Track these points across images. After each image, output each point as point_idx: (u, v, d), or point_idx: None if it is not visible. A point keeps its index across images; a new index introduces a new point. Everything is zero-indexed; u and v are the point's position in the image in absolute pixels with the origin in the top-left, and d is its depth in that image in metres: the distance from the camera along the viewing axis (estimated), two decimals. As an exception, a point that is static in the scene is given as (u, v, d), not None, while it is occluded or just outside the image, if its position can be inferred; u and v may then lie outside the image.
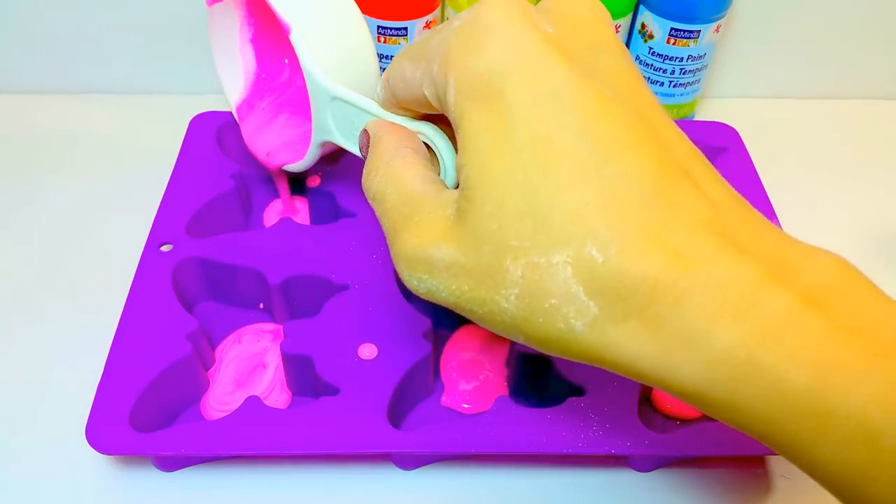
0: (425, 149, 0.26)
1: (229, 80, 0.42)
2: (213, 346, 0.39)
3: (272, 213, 0.45)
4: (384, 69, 0.49)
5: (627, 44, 0.50)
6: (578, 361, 0.21)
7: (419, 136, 0.26)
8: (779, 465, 0.37)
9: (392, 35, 0.46)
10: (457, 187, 0.23)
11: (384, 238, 0.39)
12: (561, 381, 0.34)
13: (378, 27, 0.46)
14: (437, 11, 0.47)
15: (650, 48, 0.49)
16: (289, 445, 0.32)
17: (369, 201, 0.25)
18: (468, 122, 0.21)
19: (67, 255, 0.44)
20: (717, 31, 0.48)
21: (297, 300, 0.38)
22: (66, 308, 0.42)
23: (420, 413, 0.37)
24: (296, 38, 0.32)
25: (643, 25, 0.48)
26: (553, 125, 0.20)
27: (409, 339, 0.35)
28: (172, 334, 0.35)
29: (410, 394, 0.36)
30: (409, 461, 0.36)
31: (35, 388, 0.38)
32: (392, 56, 0.47)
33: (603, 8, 0.23)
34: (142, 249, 0.39)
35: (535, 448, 0.32)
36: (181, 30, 0.53)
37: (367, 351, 0.35)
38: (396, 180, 0.24)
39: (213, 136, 0.44)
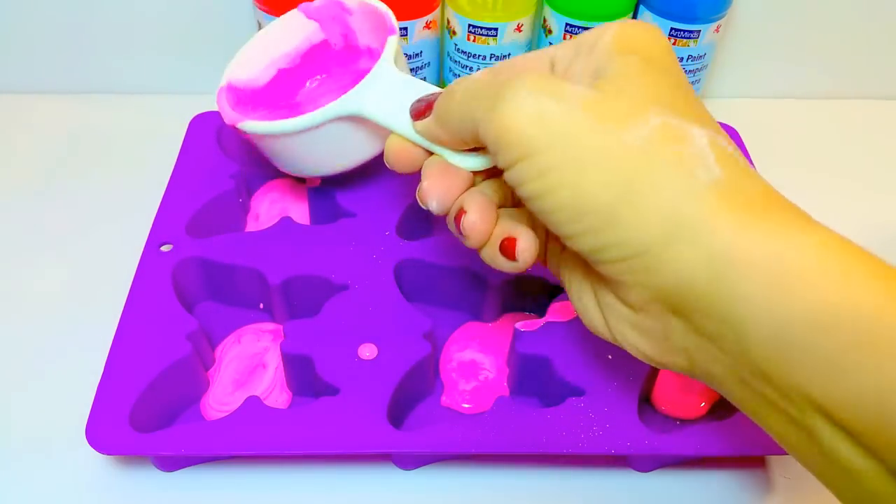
0: None
1: (238, 63, 0.41)
2: (213, 346, 0.39)
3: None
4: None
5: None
6: (667, 236, 0.21)
7: None
8: (779, 466, 0.37)
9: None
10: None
11: (384, 238, 0.39)
12: (561, 381, 0.34)
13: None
14: (437, 11, 0.47)
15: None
16: (289, 445, 0.32)
17: (458, 94, 0.25)
18: (620, 45, 0.24)
19: (68, 255, 0.44)
20: (717, 31, 0.48)
21: (297, 300, 0.38)
22: (67, 308, 0.42)
23: (420, 413, 0.37)
24: (391, 40, 0.35)
25: (643, 25, 0.48)
26: (682, 78, 0.24)
27: (409, 339, 0.35)
28: (172, 334, 0.35)
29: (410, 394, 0.36)
30: (409, 461, 0.36)
31: (35, 387, 0.38)
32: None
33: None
34: (142, 249, 0.39)
35: (535, 448, 0.32)
36: (182, 30, 0.53)
37: (367, 351, 0.35)
38: (492, 72, 0.26)
39: (213, 136, 0.44)
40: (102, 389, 0.33)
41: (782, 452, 0.35)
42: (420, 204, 0.28)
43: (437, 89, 0.30)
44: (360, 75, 0.37)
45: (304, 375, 0.35)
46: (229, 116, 0.37)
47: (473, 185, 0.28)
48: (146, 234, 0.39)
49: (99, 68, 0.55)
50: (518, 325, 0.36)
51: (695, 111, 0.23)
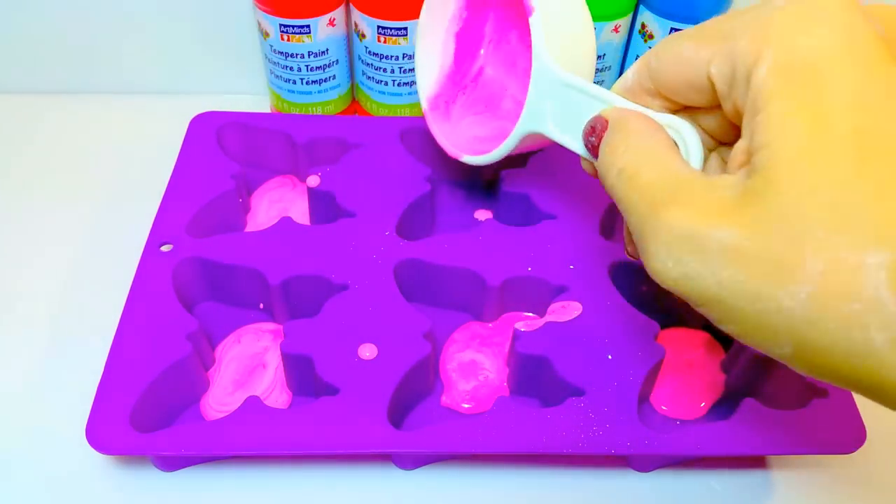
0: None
1: (424, 72, 0.41)
2: (213, 347, 0.39)
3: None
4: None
5: (627, 44, 0.50)
6: (849, 383, 0.19)
7: (666, 129, 0.25)
8: (779, 466, 0.37)
9: (392, 35, 0.46)
10: None
11: (384, 238, 0.39)
12: (561, 381, 0.34)
13: (378, 27, 0.46)
14: (437, 11, 0.47)
15: (650, 48, 0.49)
16: (289, 445, 0.32)
17: (611, 179, 0.24)
18: (781, 100, 0.19)
19: (68, 255, 0.44)
20: (717, 31, 0.48)
21: (297, 300, 0.38)
22: (67, 307, 0.42)
23: (420, 413, 0.37)
24: (535, 22, 0.32)
25: (643, 25, 0.48)
26: (881, 119, 0.18)
27: (409, 339, 0.35)
28: (172, 334, 0.35)
29: (410, 394, 0.36)
30: (409, 461, 0.36)
31: (35, 387, 0.38)
32: (391, 56, 0.47)
33: None
34: (142, 249, 0.39)
35: (535, 448, 0.32)
36: (182, 30, 0.53)
37: (367, 351, 0.35)
38: (654, 156, 0.23)
39: (213, 136, 0.44)
40: (103, 389, 0.33)
41: (783, 453, 0.35)
42: (630, 257, 0.27)
43: (605, 96, 0.27)
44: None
45: (304, 375, 0.35)
46: (451, 151, 0.39)
47: None
48: (146, 234, 0.39)
49: (99, 68, 0.55)
50: (518, 325, 0.36)
51: (876, 193, 0.18)
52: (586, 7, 0.35)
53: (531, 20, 0.32)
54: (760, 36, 0.20)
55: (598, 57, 0.48)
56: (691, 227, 0.20)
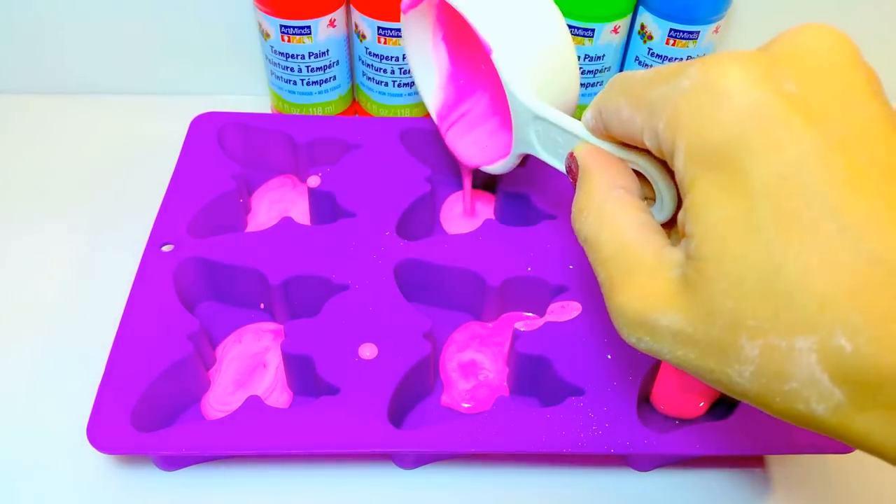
0: (637, 182, 0.25)
1: (425, 86, 0.42)
2: (214, 346, 0.39)
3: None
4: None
5: (627, 44, 0.50)
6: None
7: (630, 164, 0.25)
8: (779, 466, 0.37)
9: (392, 36, 0.46)
10: (671, 221, 0.24)
11: (384, 238, 0.39)
12: (561, 380, 0.35)
13: (378, 28, 0.46)
14: (438, 12, 0.47)
15: (650, 49, 0.49)
16: (289, 445, 0.32)
17: (580, 242, 0.25)
18: (700, 191, 0.20)
19: (69, 255, 0.44)
20: (716, 31, 0.48)
21: (297, 300, 0.39)
22: (68, 307, 0.42)
23: (420, 413, 0.37)
24: (497, 59, 0.32)
25: (643, 26, 0.48)
26: (799, 201, 0.18)
27: (409, 339, 0.35)
28: (173, 334, 0.35)
29: (410, 393, 0.36)
30: (409, 461, 0.36)
31: (36, 387, 0.38)
32: (390, 57, 0.47)
33: (847, 42, 0.22)
34: (143, 250, 0.39)
35: (535, 448, 0.32)
36: (183, 30, 0.53)
37: (368, 351, 0.35)
38: (611, 227, 0.23)
39: (214, 136, 0.44)
40: (104, 389, 0.33)
41: (782, 452, 0.35)
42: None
43: (573, 128, 0.28)
44: None
45: (304, 375, 0.35)
46: (465, 161, 0.40)
47: None
48: (147, 234, 0.39)
49: (99, 68, 0.55)
50: (518, 325, 0.37)
51: (799, 275, 0.18)
52: (558, 20, 0.34)
53: (493, 58, 0.32)
54: (673, 123, 0.20)
55: (599, 57, 0.48)
56: (643, 313, 0.21)
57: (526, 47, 0.33)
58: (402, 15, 0.39)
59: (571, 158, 0.27)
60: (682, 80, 0.20)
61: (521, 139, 0.33)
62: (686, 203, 0.20)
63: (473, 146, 0.41)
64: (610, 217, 0.24)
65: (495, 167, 0.39)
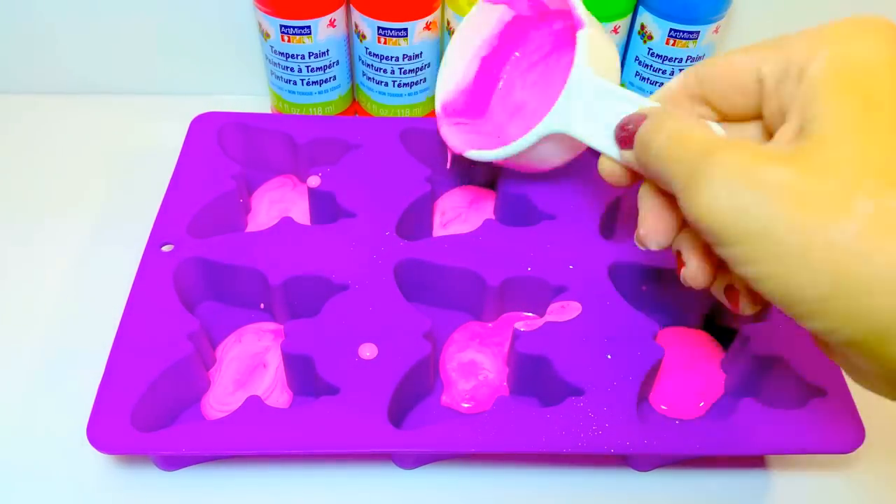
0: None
1: (445, 79, 0.43)
2: (214, 346, 0.39)
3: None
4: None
5: (627, 45, 0.50)
6: (871, 335, 0.20)
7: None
8: (778, 466, 0.37)
9: (392, 36, 0.46)
10: None
11: (384, 238, 0.39)
12: (560, 380, 0.35)
13: (378, 28, 0.46)
14: (437, 12, 0.47)
15: (649, 49, 0.49)
16: (289, 445, 0.32)
17: (654, 148, 0.25)
18: (834, 84, 0.21)
19: (69, 256, 0.44)
20: (716, 31, 0.48)
21: (297, 300, 0.39)
22: (68, 307, 0.42)
23: (420, 413, 0.37)
24: (582, 35, 0.34)
25: (643, 26, 0.48)
26: None
27: (409, 339, 0.35)
28: (174, 334, 0.35)
29: (410, 393, 0.36)
30: (409, 461, 0.36)
31: (36, 387, 0.38)
32: (390, 57, 0.47)
33: None
34: (143, 250, 0.39)
35: (534, 447, 0.32)
36: (183, 30, 0.53)
37: (368, 351, 0.35)
38: (700, 124, 0.25)
39: (214, 136, 0.44)
40: (104, 389, 0.33)
41: (782, 452, 0.35)
42: (638, 245, 0.28)
43: (640, 101, 0.30)
44: (556, 37, 0.41)
45: (304, 375, 0.35)
46: (455, 147, 0.40)
47: None
48: (147, 234, 0.39)
49: (99, 68, 0.55)
50: (518, 325, 0.37)
51: None
52: (608, 38, 0.37)
53: (579, 33, 0.34)
54: (816, 41, 0.23)
55: (598, 57, 0.48)
56: (748, 164, 0.21)
57: (599, 40, 0.35)
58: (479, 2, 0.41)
59: (634, 115, 0.28)
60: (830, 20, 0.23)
61: (561, 114, 0.34)
62: (813, 100, 0.22)
63: (466, 142, 0.41)
64: (697, 122, 0.25)
65: (494, 153, 0.38)
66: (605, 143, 0.31)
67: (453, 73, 0.43)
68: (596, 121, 0.32)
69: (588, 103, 0.32)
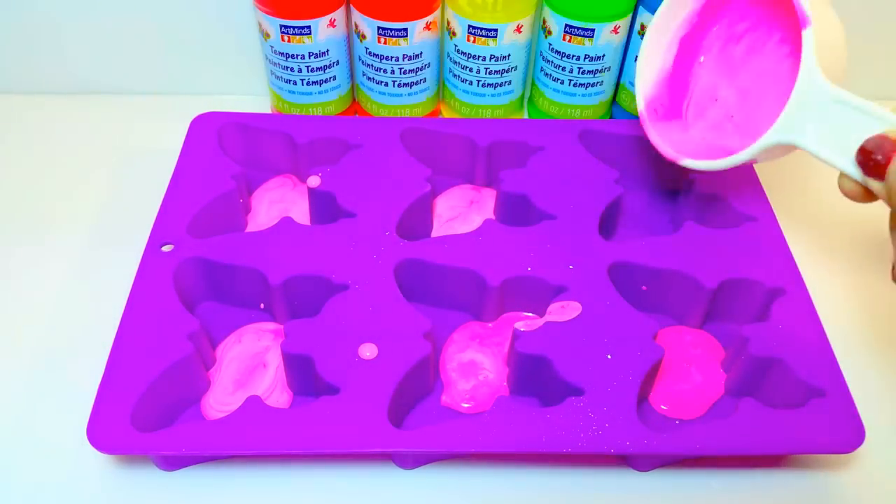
0: None
1: (645, 73, 0.41)
2: (214, 346, 0.39)
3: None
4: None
5: (627, 45, 0.50)
6: None
7: None
8: (779, 465, 0.37)
9: (392, 36, 0.46)
10: None
11: (384, 238, 0.39)
12: (560, 380, 0.35)
13: (378, 28, 0.46)
14: (437, 12, 0.47)
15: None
16: (289, 445, 0.32)
17: None
18: None
19: (69, 256, 0.44)
20: (717, 31, 0.48)
21: (297, 300, 0.39)
22: (68, 307, 0.42)
23: (420, 413, 0.37)
24: (808, 35, 0.31)
25: (643, 26, 0.48)
26: None
27: (409, 339, 0.35)
28: (173, 334, 0.35)
29: (410, 393, 0.36)
30: (410, 460, 0.36)
31: (36, 387, 0.38)
32: (390, 57, 0.47)
33: None
34: (143, 249, 0.39)
35: (534, 447, 0.32)
36: (183, 31, 0.53)
37: (368, 351, 0.35)
38: None
39: (214, 136, 0.45)
40: (104, 389, 0.33)
41: (782, 452, 0.35)
42: (893, 280, 0.26)
43: (888, 117, 0.27)
44: (763, 5, 0.37)
45: (304, 375, 0.35)
46: (669, 154, 0.39)
47: None
48: (147, 234, 0.39)
49: (99, 68, 0.55)
50: (518, 324, 0.37)
51: None
52: (838, 22, 0.34)
53: (805, 32, 0.31)
54: None
55: (599, 57, 0.48)
56: None
57: (828, 33, 0.32)
58: None
59: (883, 139, 0.25)
60: None
61: (789, 126, 0.31)
62: None
63: (686, 144, 0.40)
64: None
65: (717, 163, 0.37)
66: (842, 161, 0.28)
67: (652, 64, 0.41)
68: (831, 134, 0.29)
69: (821, 114, 0.30)
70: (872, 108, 0.28)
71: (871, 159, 0.26)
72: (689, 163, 0.38)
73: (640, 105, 0.41)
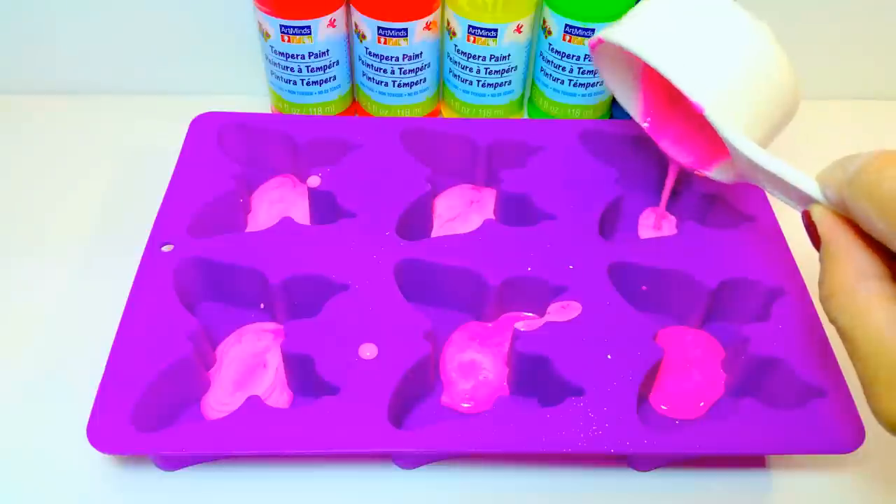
0: (884, 266, 0.24)
1: (623, 98, 0.41)
2: (214, 346, 0.39)
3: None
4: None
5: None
6: None
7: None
8: (779, 465, 0.37)
9: (392, 36, 0.46)
10: None
11: (384, 238, 0.39)
12: (560, 380, 0.35)
13: (378, 28, 0.46)
14: (437, 12, 0.47)
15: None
16: (289, 445, 0.32)
17: (831, 322, 0.24)
18: None
19: (69, 255, 0.44)
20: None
21: (297, 300, 0.39)
22: (68, 307, 0.42)
23: (420, 413, 0.37)
24: (711, 116, 0.31)
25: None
26: None
27: (409, 339, 0.35)
28: (173, 334, 0.35)
29: (410, 393, 0.36)
30: (410, 461, 0.36)
31: (37, 387, 0.38)
32: (390, 57, 0.47)
33: None
34: (143, 249, 0.39)
35: (534, 447, 0.32)
36: (183, 31, 0.53)
37: (368, 351, 0.35)
38: (866, 324, 0.23)
39: (214, 136, 0.44)
40: (104, 389, 0.33)
41: (782, 452, 0.35)
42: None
43: (804, 186, 0.27)
44: None
45: (304, 375, 0.35)
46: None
47: None
48: (147, 234, 0.39)
49: (99, 68, 0.55)
50: (518, 324, 0.37)
51: None
52: (762, 39, 0.32)
53: (705, 116, 0.31)
54: None
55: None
56: None
57: (739, 92, 0.31)
58: (590, 52, 0.38)
59: (808, 220, 0.26)
60: None
61: (746, 175, 0.31)
62: None
63: (688, 155, 0.39)
64: (863, 312, 0.23)
65: (713, 173, 0.36)
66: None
67: (624, 92, 0.40)
68: (779, 190, 0.29)
69: (762, 175, 0.30)
70: (795, 177, 0.28)
71: (807, 230, 0.27)
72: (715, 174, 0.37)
73: (638, 120, 0.41)
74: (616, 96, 0.41)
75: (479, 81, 0.49)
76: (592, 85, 0.50)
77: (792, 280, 0.39)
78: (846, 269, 0.24)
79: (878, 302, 0.23)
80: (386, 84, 0.49)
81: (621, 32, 0.34)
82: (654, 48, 0.32)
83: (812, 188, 0.26)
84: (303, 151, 0.45)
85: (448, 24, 0.48)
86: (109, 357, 0.34)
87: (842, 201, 0.25)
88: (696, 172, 0.39)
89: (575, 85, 0.49)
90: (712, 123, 0.31)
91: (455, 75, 0.50)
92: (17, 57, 0.54)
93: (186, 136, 0.45)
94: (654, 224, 0.45)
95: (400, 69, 0.48)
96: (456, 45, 0.48)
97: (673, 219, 0.45)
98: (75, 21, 0.52)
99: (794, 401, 0.35)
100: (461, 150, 0.46)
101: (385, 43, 0.47)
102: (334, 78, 0.50)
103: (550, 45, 0.48)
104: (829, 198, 0.26)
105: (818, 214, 0.26)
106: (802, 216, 0.27)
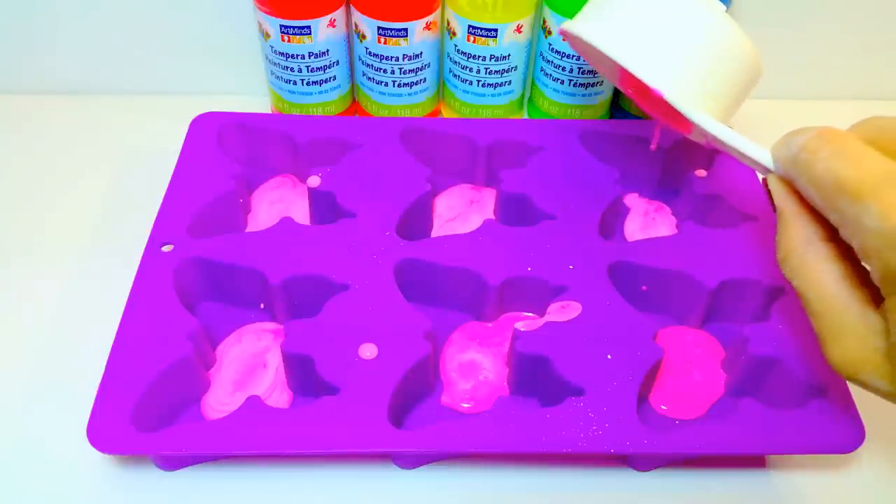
0: (831, 229, 0.26)
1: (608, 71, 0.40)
2: (214, 346, 0.39)
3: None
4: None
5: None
6: None
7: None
8: (779, 465, 0.37)
9: (392, 36, 0.46)
10: None
11: (384, 238, 0.39)
12: (560, 380, 0.35)
13: (378, 28, 0.46)
14: (437, 12, 0.47)
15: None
16: (289, 445, 0.32)
17: (786, 276, 0.27)
18: None
19: (69, 255, 0.44)
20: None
21: (297, 300, 0.39)
22: (68, 307, 0.42)
23: (420, 413, 0.37)
24: (671, 99, 0.32)
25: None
26: None
27: (409, 339, 0.35)
28: (173, 334, 0.35)
29: (410, 393, 0.36)
30: (410, 461, 0.36)
31: (37, 386, 0.38)
32: (390, 57, 0.47)
33: None
34: (143, 249, 0.39)
35: (534, 447, 0.32)
36: (183, 30, 0.53)
37: (368, 351, 0.35)
38: (815, 283, 0.26)
39: (214, 136, 0.44)
40: (104, 389, 0.33)
41: (782, 452, 0.35)
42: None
43: (759, 157, 0.29)
44: None
45: (304, 375, 0.35)
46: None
47: None
48: (147, 234, 0.39)
49: (99, 68, 0.55)
50: (518, 324, 0.37)
51: None
52: (733, 32, 0.33)
53: (666, 99, 0.32)
54: (864, 251, 0.24)
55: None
56: (853, 374, 0.25)
57: (696, 70, 0.32)
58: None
59: (766, 187, 0.28)
60: (866, 218, 0.23)
61: (715, 144, 0.33)
62: (890, 304, 0.24)
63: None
64: (811, 272, 0.26)
65: (693, 136, 0.37)
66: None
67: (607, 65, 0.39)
68: (739, 156, 0.31)
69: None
70: (753, 151, 0.30)
71: (767, 197, 0.29)
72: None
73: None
74: (603, 76, 0.41)
75: (479, 81, 0.50)
76: (592, 85, 0.50)
77: (792, 280, 0.39)
78: (797, 234, 0.27)
79: (824, 264, 0.26)
80: (386, 84, 0.49)
81: (579, 25, 0.35)
82: (609, 39, 0.33)
83: (767, 160, 0.29)
84: (303, 151, 0.45)
85: (448, 24, 0.48)
86: (109, 357, 0.34)
87: (789, 172, 0.27)
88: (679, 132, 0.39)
89: (575, 85, 0.49)
90: (674, 106, 0.32)
91: (455, 75, 0.50)
92: (17, 57, 0.54)
93: (186, 136, 0.45)
94: (644, 212, 0.45)
95: (400, 69, 0.48)
96: (456, 45, 0.48)
97: (666, 208, 0.45)
98: (76, 21, 0.52)
99: (793, 401, 0.35)
100: (461, 150, 0.46)
101: (385, 43, 0.47)
102: (334, 78, 0.50)
103: (550, 45, 0.48)
104: (779, 170, 0.28)
105: (772, 184, 0.28)
106: (762, 184, 0.29)
